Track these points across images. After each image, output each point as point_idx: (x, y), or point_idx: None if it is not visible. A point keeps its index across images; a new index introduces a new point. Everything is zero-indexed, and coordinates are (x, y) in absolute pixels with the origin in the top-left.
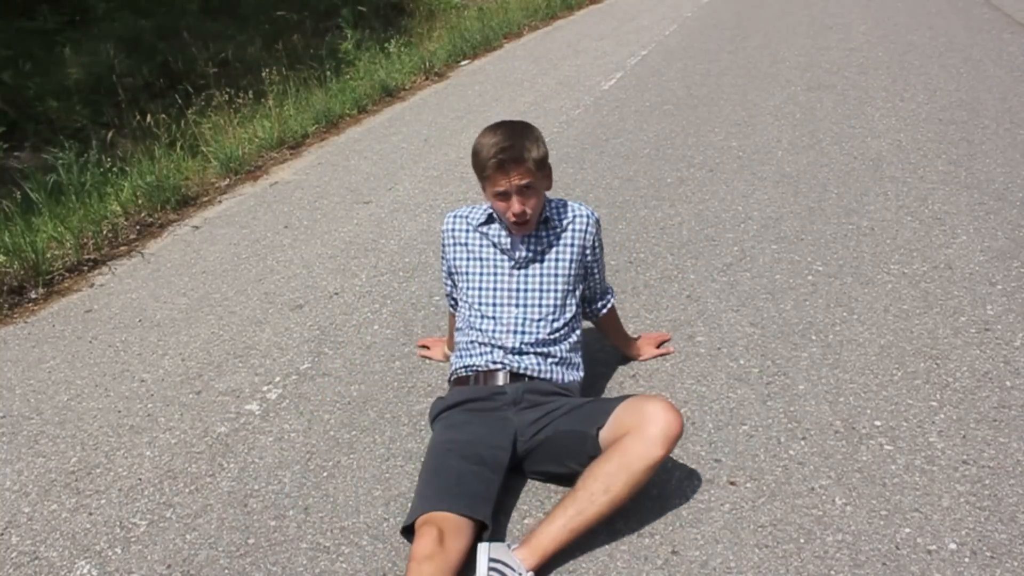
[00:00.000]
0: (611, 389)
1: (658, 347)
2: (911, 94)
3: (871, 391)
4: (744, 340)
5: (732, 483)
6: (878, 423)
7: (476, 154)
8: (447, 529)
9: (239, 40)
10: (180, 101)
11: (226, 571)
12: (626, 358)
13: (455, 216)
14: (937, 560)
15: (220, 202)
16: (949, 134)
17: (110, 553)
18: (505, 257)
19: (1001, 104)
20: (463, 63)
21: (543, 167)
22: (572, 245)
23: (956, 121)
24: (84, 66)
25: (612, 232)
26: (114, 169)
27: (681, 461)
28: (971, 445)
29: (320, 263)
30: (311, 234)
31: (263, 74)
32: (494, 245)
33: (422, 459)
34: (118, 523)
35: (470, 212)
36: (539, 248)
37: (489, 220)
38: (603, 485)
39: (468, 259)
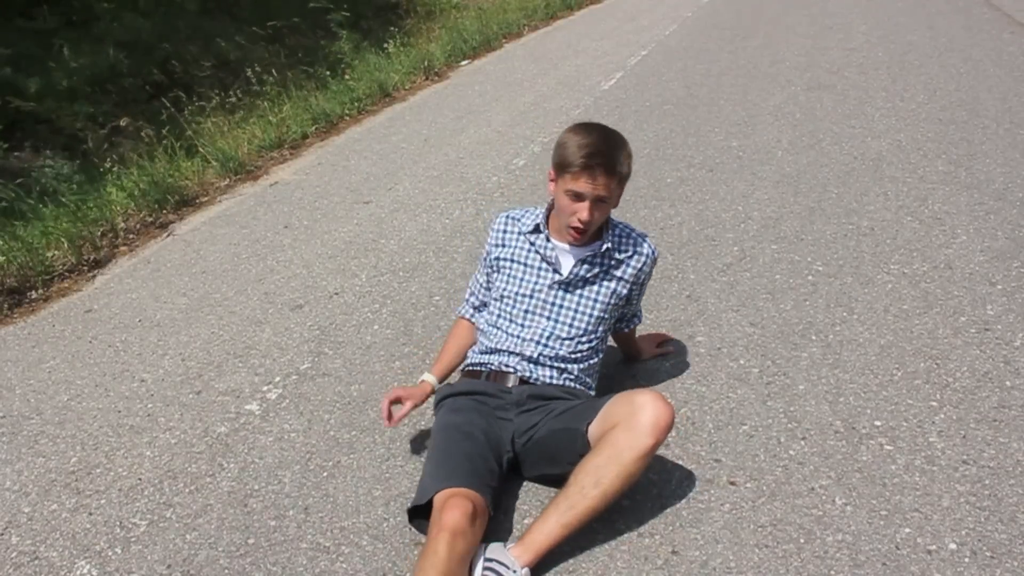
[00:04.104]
0: (611, 390)
1: (658, 347)
2: (911, 94)
3: (871, 391)
4: (744, 340)
5: (732, 483)
6: (878, 423)
7: (564, 145)
8: (479, 507)
9: (238, 41)
10: (179, 102)
11: (226, 571)
12: (626, 358)
13: (508, 217)
14: (937, 560)
15: (220, 202)
16: (949, 134)
17: (110, 553)
18: (550, 269)
19: (1001, 104)
20: (463, 63)
21: (623, 184)
22: (623, 279)
23: (956, 121)
24: (84, 66)
25: None
26: (113, 169)
27: (681, 461)
28: (971, 445)
29: (320, 263)
30: (311, 234)
31: (262, 74)
32: (540, 255)
33: (422, 459)
34: (118, 523)
35: (523, 216)
36: (590, 273)
37: (536, 230)
38: (593, 479)
39: (512, 261)
